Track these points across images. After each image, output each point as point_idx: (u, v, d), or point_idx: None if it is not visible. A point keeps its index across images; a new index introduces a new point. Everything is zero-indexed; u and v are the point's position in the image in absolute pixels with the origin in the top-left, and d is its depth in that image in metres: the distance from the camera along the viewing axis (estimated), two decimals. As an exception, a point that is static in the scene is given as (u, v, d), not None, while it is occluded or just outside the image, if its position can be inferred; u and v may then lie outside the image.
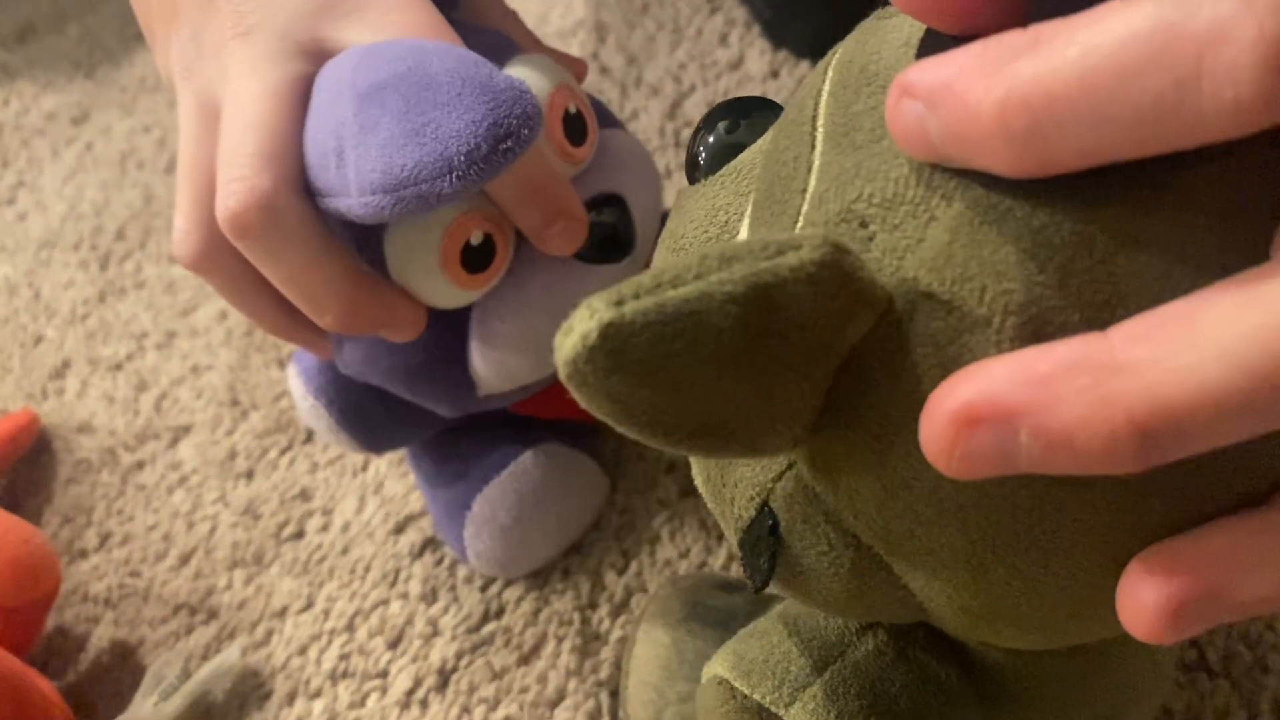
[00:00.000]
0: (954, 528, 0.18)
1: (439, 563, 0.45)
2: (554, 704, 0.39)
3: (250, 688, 0.44)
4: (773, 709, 0.26)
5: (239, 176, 0.30)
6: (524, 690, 0.40)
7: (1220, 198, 0.16)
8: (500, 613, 0.43)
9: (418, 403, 0.38)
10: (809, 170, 0.19)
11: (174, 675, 0.44)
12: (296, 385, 0.41)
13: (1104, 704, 0.27)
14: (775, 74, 0.56)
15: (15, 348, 0.65)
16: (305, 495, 0.49)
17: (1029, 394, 0.14)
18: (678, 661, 0.33)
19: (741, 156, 0.24)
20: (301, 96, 0.32)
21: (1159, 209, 0.16)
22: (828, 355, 0.17)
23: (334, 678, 0.43)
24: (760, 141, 0.24)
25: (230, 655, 0.44)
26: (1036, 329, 0.16)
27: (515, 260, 0.35)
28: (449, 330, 0.35)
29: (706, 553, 0.41)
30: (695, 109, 0.57)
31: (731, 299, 0.15)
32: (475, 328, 0.35)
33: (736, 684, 0.26)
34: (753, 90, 0.56)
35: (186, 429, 0.55)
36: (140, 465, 0.54)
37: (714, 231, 0.24)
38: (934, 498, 0.18)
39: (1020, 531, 0.18)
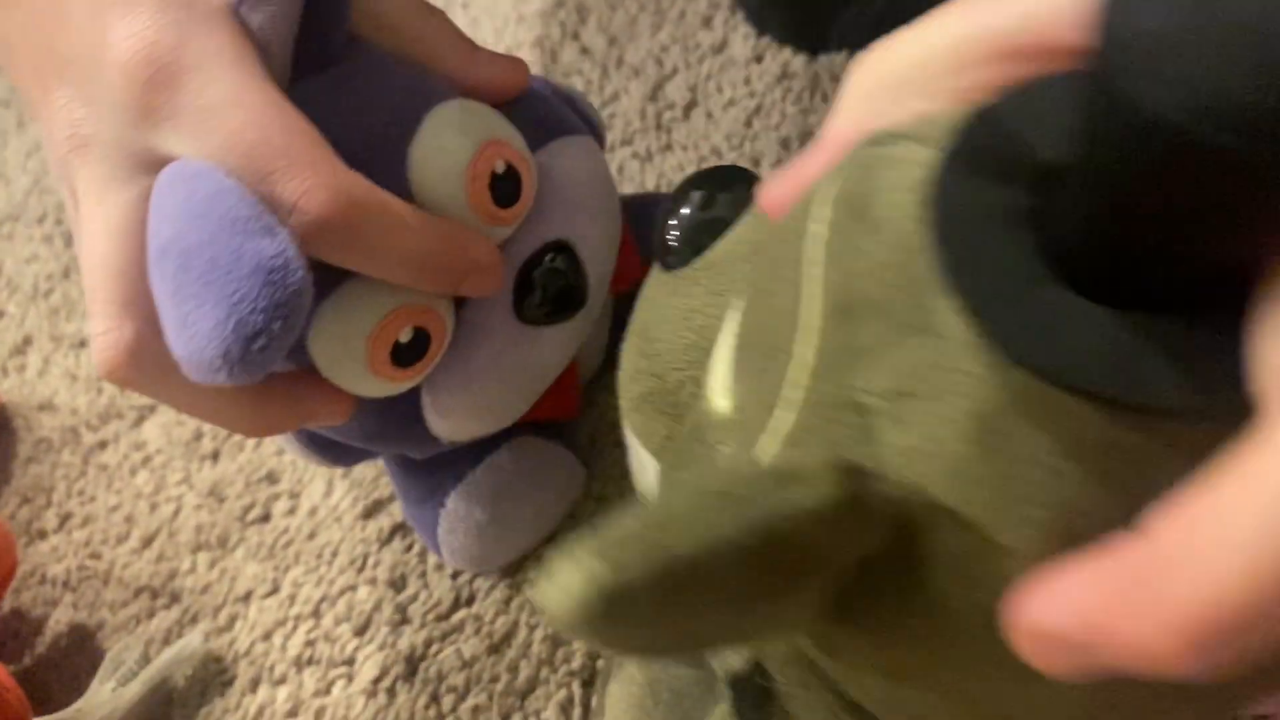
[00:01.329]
0: (960, 709, 0.17)
1: (408, 549, 0.44)
2: (524, 694, 0.39)
3: (212, 674, 0.43)
4: None
5: (103, 330, 0.28)
6: (494, 679, 0.39)
7: None
8: (471, 600, 0.42)
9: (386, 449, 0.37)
10: (794, 327, 0.18)
11: (133, 660, 0.43)
12: None
13: None
14: (759, 58, 0.55)
15: (-25, 323, 0.63)
16: (272, 478, 0.48)
17: (1091, 613, 0.13)
18: (653, 702, 0.31)
19: (717, 249, 0.23)
20: (145, 220, 0.29)
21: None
22: (835, 572, 0.16)
23: (299, 664, 0.42)
24: (738, 232, 0.23)
25: (192, 640, 0.43)
26: (1065, 545, 0.14)
27: (459, 329, 0.33)
28: (402, 402, 0.33)
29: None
30: (677, 92, 0.56)
31: (738, 547, 0.14)
32: (425, 398, 0.33)
33: None
34: (736, 76, 0.55)
35: (151, 408, 0.53)
36: (103, 445, 0.53)
37: (690, 338, 0.23)
38: (938, 688, 0.17)
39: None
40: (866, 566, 0.16)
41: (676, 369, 0.23)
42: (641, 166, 0.53)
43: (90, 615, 0.47)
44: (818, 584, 0.16)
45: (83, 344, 0.59)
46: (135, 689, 0.42)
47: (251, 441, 0.50)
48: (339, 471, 0.47)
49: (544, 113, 0.36)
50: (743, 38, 0.56)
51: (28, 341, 0.60)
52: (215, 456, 0.50)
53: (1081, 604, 0.14)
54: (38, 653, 0.47)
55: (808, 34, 0.54)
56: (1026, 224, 0.15)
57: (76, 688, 0.44)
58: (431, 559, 0.43)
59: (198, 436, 0.51)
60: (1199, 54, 0.11)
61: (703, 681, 0.28)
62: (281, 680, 0.42)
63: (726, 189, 0.24)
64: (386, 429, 0.34)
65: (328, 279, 0.29)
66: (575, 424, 0.44)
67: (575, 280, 0.34)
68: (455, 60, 0.34)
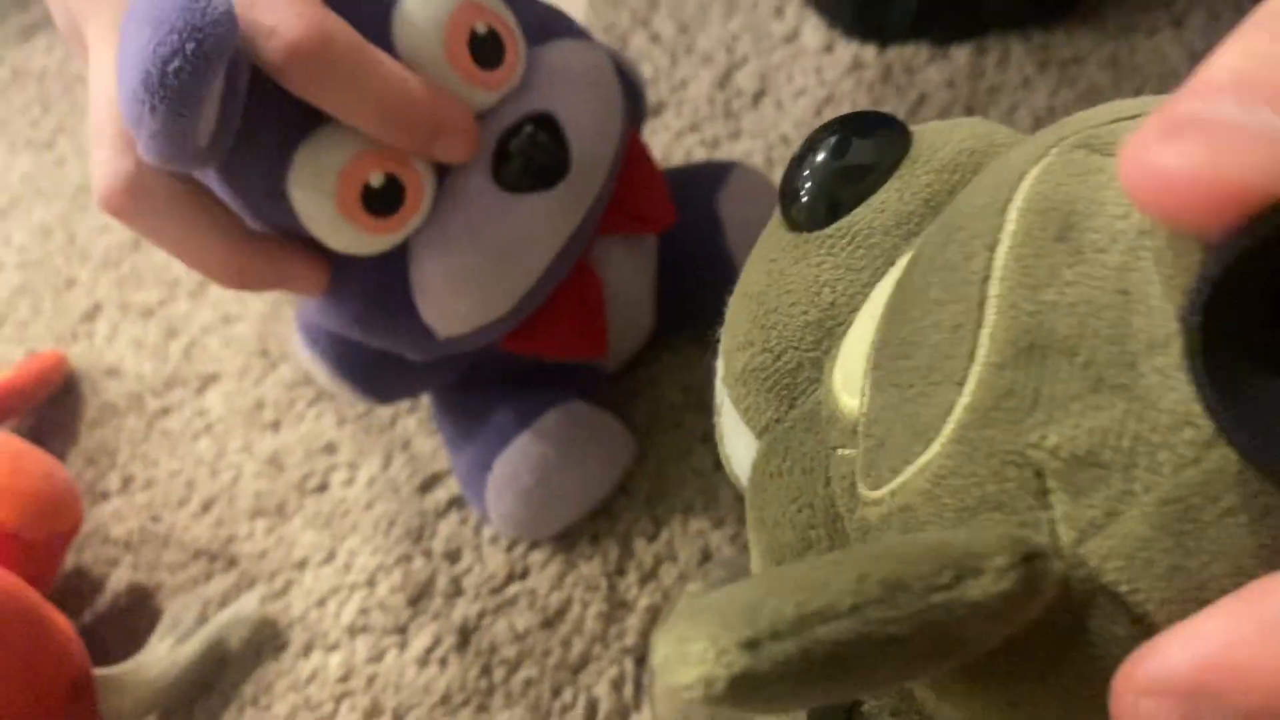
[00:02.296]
0: None
1: (464, 522, 0.44)
2: (577, 669, 0.38)
3: (266, 637, 0.43)
4: None
5: (104, 160, 0.30)
6: (546, 653, 0.39)
7: None
8: (525, 574, 0.42)
9: (392, 350, 0.37)
10: (970, 356, 0.16)
11: (190, 619, 0.43)
12: (296, 339, 0.40)
13: None
14: (830, 48, 0.55)
15: (47, 290, 0.65)
16: (331, 449, 0.49)
17: (1230, 658, 0.12)
18: None
19: (857, 215, 0.21)
20: None
21: None
22: (994, 644, 0.14)
23: (352, 631, 0.42)
24: (883, 197, 0.21)
25: (248, 603, 0.43)
26: None
27: (440, 196, 0.33)
28: (389, 277, 0.34)
29: (740, 523, 0.40)
30: (746, 80, 0.55)
31: (895, 639, 0.12)
32: (411, 271, 0.33)
33: None
34: (807, 65, 0.55)
35: (215, 377, 0.54)
36: (166, 411, 0.54)
37: (815, 315, 0.20)
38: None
39: None
40: (1010, 637, 0.14)
41: (795, 348, 0.21)
42: (709, 153, 0.53)
43: (149, 576, 0.48)
44: (962, 656, 0.14)
45: (150, 313, 0.60)
46: (192, 647, 0.42)
47: (313, 412, 0.50)
48: (398, 444, 0.47)
49: (549, 19, 0.36)
50: (814, 28, 0.56)
51: (97, 309, 0.62)
52: (276, 426, 0.51)
53: (1211, 644, 0.12)
54: (97, 610, 0.48)
55: (876, 26, 0.54)
56: None
57: (133, 645, 0.45)
58: (486, 533, 0.43)
59: (259, 406, 0.52)
60: None
61: None
62: (334, 647, 0.42)
63: (867, 136, 0.22)
64: (373, 312, 0.34)
65: (305, 123, 0.30)
66: (631, 400, 0.44)
67: (555, 151, 0.33)
68: None
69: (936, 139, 0.21)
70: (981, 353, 0.15)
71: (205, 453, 0.51)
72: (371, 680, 0.40)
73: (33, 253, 0.68)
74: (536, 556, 0.42)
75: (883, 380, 0.17)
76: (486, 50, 0.32)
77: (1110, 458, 0.13)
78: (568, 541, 0.42)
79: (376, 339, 0.35)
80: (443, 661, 0.40)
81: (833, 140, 0.21)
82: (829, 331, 0.20)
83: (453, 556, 0.43)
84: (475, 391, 0.41)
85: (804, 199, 0.21)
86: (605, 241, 0.39)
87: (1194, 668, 0.12)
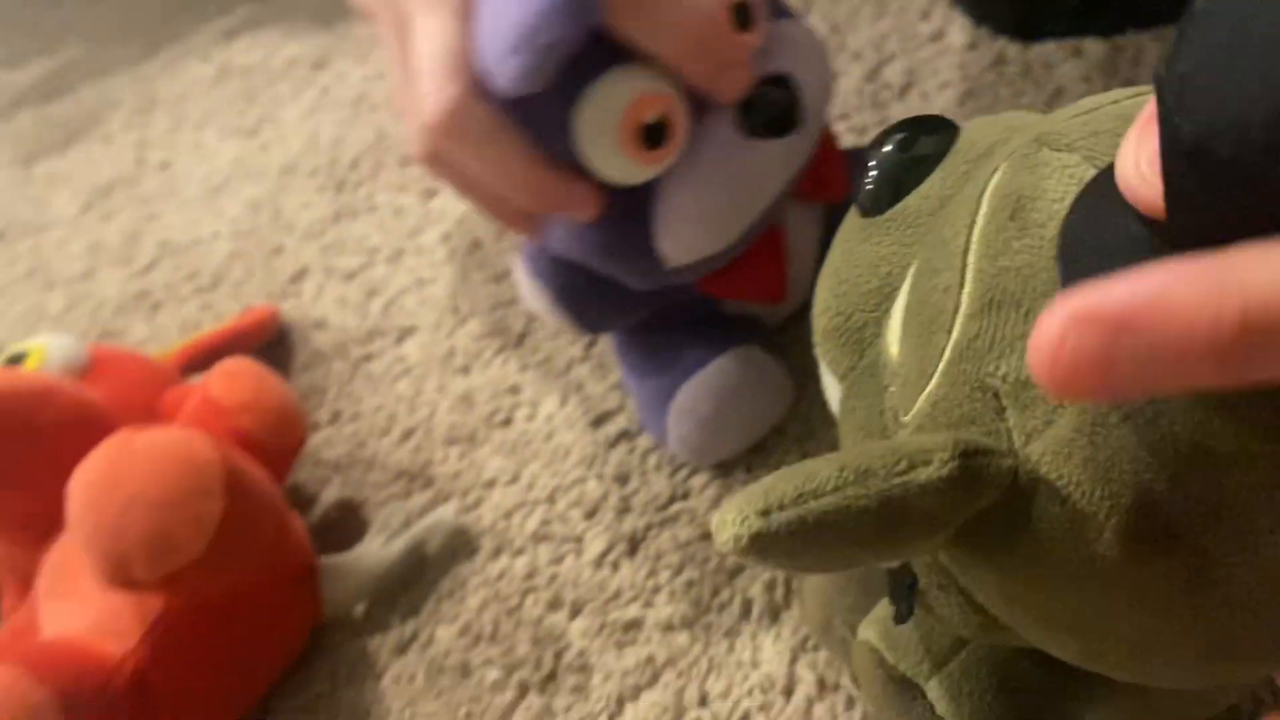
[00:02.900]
0: (1068, 632, 0.21)
1: (631, 451, 0.50)
2: (733, 574, 0.44)
3: (460, 543, 0.50)
4: (914, 679, 0.28)
5: (432, 90, 0.36)
6: (706, 560, 0.45)
7: None
8: (686, 496, 0.48)
9: (614, 277, 0.43)
10: (955, 311, 0.20)
11: (397, 524, 0.50)
12: (520, 270, 0.46)
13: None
14: (974, 46, 0.60)
15: (258, 256, 0.73)
16: (515, 390, 0.55)
17: (1144, 295, 0.14)
18: (845, 578, 0.35)
19: (909, 201, 0.25)
20: (469, 11, 0.37)
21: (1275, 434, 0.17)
22: (954, 523, 0.19)
23: (535, 539, 0.49)
24: (929, 185, 0.25)
25: (445, 512, 0.50)
26: (1140, 525, 0.18)
27: (694, 140, 0.39)
28: (633, 208, 0.39)
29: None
30: (894, 74, 0.61)
31: (865, 510, 0.17)
32: (657, 204, 0.39)
33: (884, 653, 0.29)
34: (951, 61, 0.60)
35: (411, 330, 0.62)
36: (369, 358, 0.61)
37: (875, 283, 0.25)
38: (1047, 612, 0.20)
39: (1118, 612, 0.20)
40: (981, 516, 0.19)
41: (861, 310, 0.25)
42: (857, 140, 0.58)
43: (356, 493, 0.55)
44: (937, 532, 0.19)
45: (352, 276, 0.68)
46: (399, 546, 0.49)
47: (499, 360, 0.57)
48: (573, 387, 0.54)
49: (780, 3, 0.42)
50: (960, 28, 0.61)
51: (303, 272, 0.70)
52: (466, 370, 0.58)
53: (1141, 286, 0.14)
54: (311, 520, 0.55)
55: (1023, 23, 0.58)
56: (1143, 248, 0.16)
57: (345, 550, 0.52)
58: (652, 460, 0.49)
59: (451, 354, 0.59)
60: (1217, 86, 0.13)
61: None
62: (520, 552, 0.49)
63: (930, 133, 0.26)
64: (618, 240, 0.40)
65: (598, 65, 0.36)
66: (787, 351, 0.50)
67: (792, 105, 0.39)
68: None
69: (977, 133, 0.26)
70: (962, 307, 0.20)
71: (404, 392, 0.58)
72: (553, 579, 0.47)
73: (243, 224, 0.77)
74: (695, 481, 0.48)
75: (908, 333, 0.23)
76: (744, 17, 0.38)
77: None
78: (724, 470, 0.48)
79: (611, 265, 0.41)
80: (614, 565, 0.46)
81: (899, 137, 0.26)
82: (886, 296, 0.25)
83: (622, 480, 0.49)
84: (658, 332, 0.47)
85: (869, 187, 0.26)
86: (788, 205, 0.45)
87: (1128, 299, 0.14)
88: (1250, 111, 0.13)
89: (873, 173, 0.26)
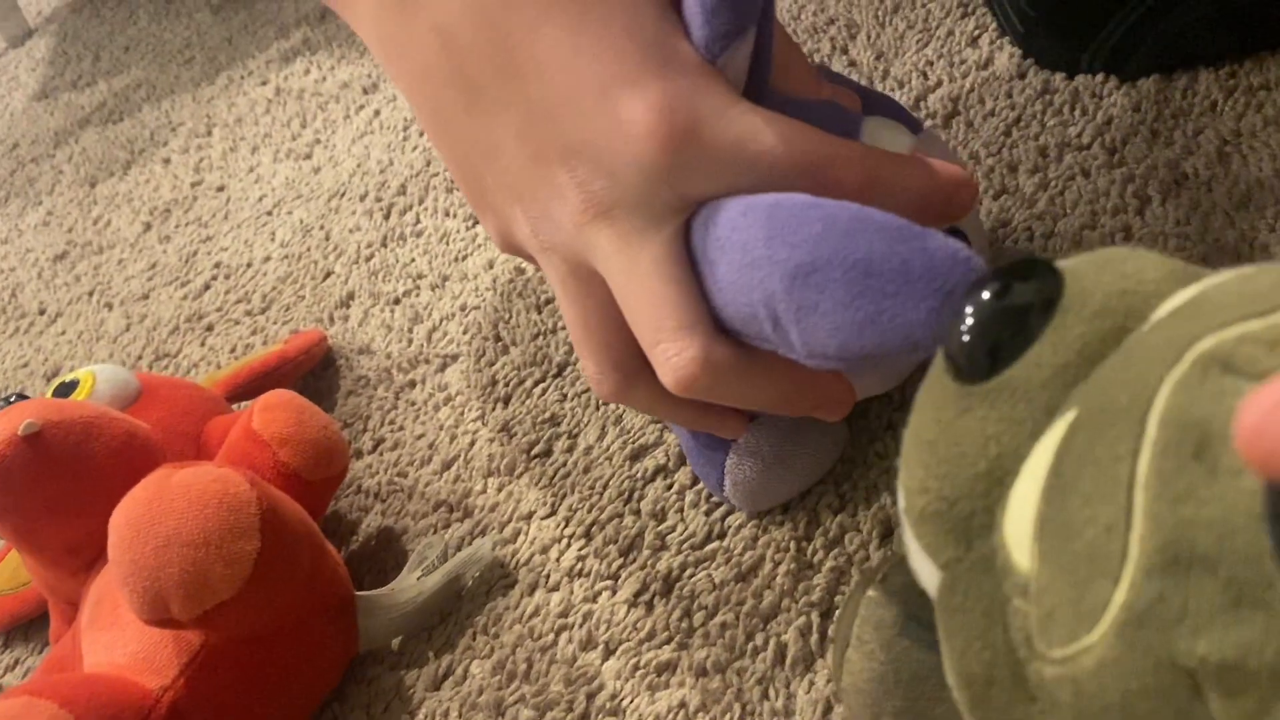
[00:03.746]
0: None
1: (669, 487, 0.50)
2: (768, 618, 0.44)
3: (497, 577, 0.50)
4: None
5: (674, 352, 0.34)
6: (740, 603, 0.44)
7: None
8: (722, 535, 0.47)
9: None
10: (1123, 558, 0.17)
11: (435, 556, 0.51)
12: (689, 447, 0.47)
13: None
14: (1023, 75, 0.59)
15: (307, 279, 0.74)
16: (554, 420, 0.55)
17: None
18: (894, 680, 0.33)
19: (1015, 369, 0.22)
20: (684, 249, 0.34)
21: None
22: None
23: (571, 575, 0.49)
24: (1038, 352, 0.22)
25: (483, 546, 0.50)
26: None
27: None
28: None
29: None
30: (939, 102, 0.60)
31: None
32: None
33: None
34: (998, 90, 0.59)
35: (454, 357, 0.62)
36: (412, 385, 0.62)
37: (983, 466, 0.22)
38: None
39: None
40: None
41: (968, 498, 0.22)
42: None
43: (396, 522, 0.55)
44: None
45: (397, 301, 0.68)
46: (435, 579, 0.49)
47: (539, 389, 0.57)
48: (611, 419, 0.54)
49: (872, 97, 0.42)
50: (1008, 56, 0.60)
51: (350, 296, 0.71)
52: (507, 400, 0.58)
53: None
54: (351, 549, 0.56)
55: (1073, 64, 0.57)
56: None
57: (383, 580, 0.53)
58: (689, 496, 0.49)
59: (492, 383, 0.59)
60: None
61: (941, 668, 0.30)
62: (555, 587, 0.48)
63: (1025, 279, 0.22)
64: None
65: None
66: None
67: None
68: (811, 86, 0.41)
69: (1087, 282, 0.22)
70: (1133, 554, 0.17)
71: (446, 420, 0.59)
72: (587, 616, 0.47)
73: (294, 247, 0.78)
74: (732, 520, 0.47)
75: (1049, 554, 0.19)
76: None
77: (1256, 665, 0.15)
78: (760, 509, 0.47)
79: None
80: (649, 605, 0.46)
81: (993, 285, 0.23)
82: (998, 481, 0.22)
83: (659, 516, 0.49)
84: None
85: (965, 341, 0.23)
86: None
87: None
88: None
89: (967, 326, 0.22)
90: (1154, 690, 0.16)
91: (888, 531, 0.44)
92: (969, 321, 0.22)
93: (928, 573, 0.25)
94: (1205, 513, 0.16)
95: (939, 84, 0.61)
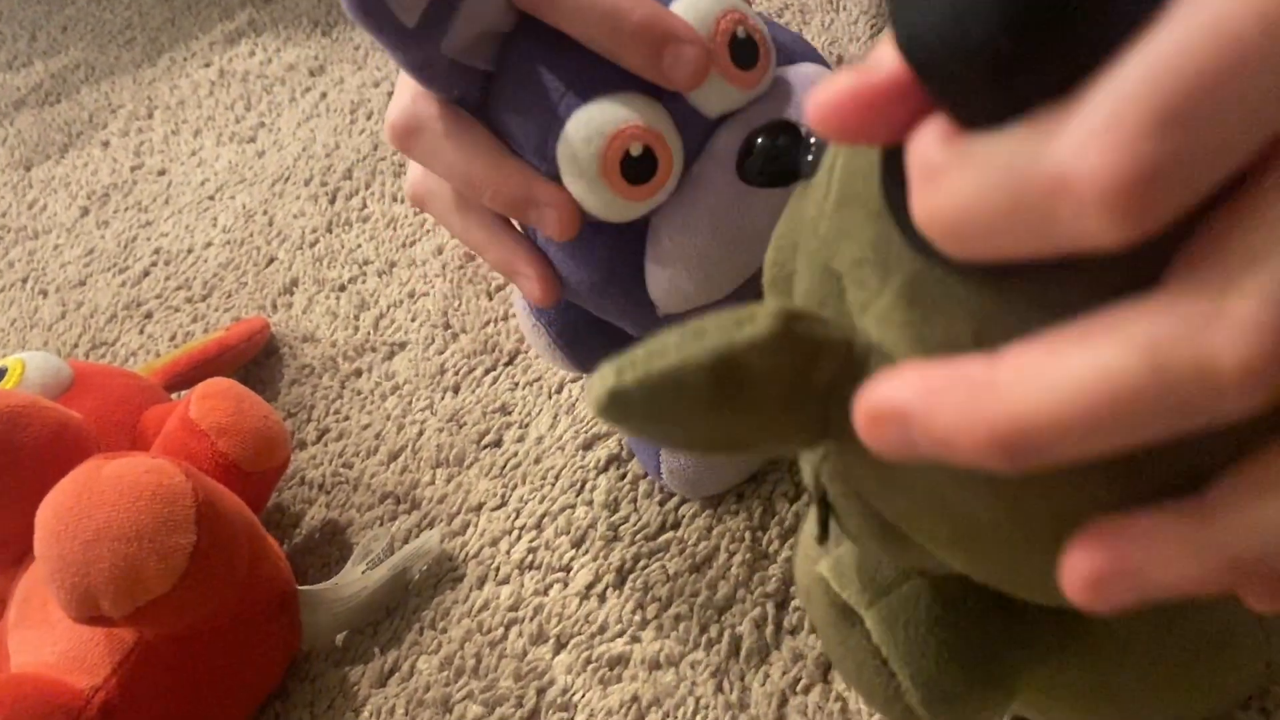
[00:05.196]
0: (936, 516, 0.21)
1: (622, 477, 0.49)
2: (722, 609, 0.43)
3: (445, 570, 0.49)
4: (855, 608, 0.29)
5: (394, 101, 0.37)
6: (695, 594, 0.43)
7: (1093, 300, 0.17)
8: (676, 525, 0.46)
9: (608, 319, 0.41)
10: (820, 215, 0.22)
11: (380, 549, 0.49)
12: (521, 308, 0.45)
13: (1189, 650, 0.29)
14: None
15: (250, 266, 0.72)
16: (505, 409, 0.54)
17: (918, 401, 0.17)
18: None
19: (827, 159, 0.26)
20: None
21: (1050, 303, 0.17)
22: (802, 393, 0.20)
23: (521, 568, 0.47)
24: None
25: (431, 539, 0.49)
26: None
27: (685, 181, 0.37)
28: (627, 251, 0.38)
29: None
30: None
31: (700, 367, 0.19)
32: (648, 247, 0.38)
33: (831, 582, 0.30)
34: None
35: (401, 345, 0.60)
36: (357, 373, 0.60)
37: (799, 236, 0.26)
38: (914, 498, 0.21)
39: (990, 518, 0.20)
40: (837, 387, 0.20)
41: (792, 259, 0.26)
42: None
43: (340, 514, 0.54)
44: (786, 401, 0.20)
45: (343, 288, 0.66)
46: (381, 573, 0.48)
47: (489, 378, 0.56)
48: (564, 407, 0.53)
49: (797, 45, 0.40)
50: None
51: (294, 283, 0.69)
52: (456, 389, 0.56)
53: (919, 390, 0.17)
54: (295, 542, 0.54)
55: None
56: None
57: (326, 574, 0.51)
58: (642, 486, 0.48)
59: (441, 371, 0.58)
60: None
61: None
62: (505, 580, 0.47)
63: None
64: (612, 279, 0.38)
65: (587, 90, 0.34)
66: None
67: (796, 153, 0.37)
68: None
69: None
70: (827, 209, 0.22)
71: (392, 409, 0.57)
72: (538, 610, 0.45)
73: (236, 233, 0.76)
74: (686, 510, 0.46)
75: (801, 255, 0.24)
76: (744, 53, 0.36)
77: (874, 257, 0.20)
78: (715, 499, 0.46)
79: (603, 307, 0.40)
80: (601, 597, 0.45)
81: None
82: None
83: (611, 507, 0.48)
84: None
85: (812, 158, 0.27)
86: None
87: (891, 399, 0.17)
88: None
89: (815, 145, 0.27)
90: (821, 298, 0.21)
91: (844, 521, 0.44)
92: (816, 143, 0.27)
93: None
94: (861, 164, 0.21)
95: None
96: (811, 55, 0.41)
